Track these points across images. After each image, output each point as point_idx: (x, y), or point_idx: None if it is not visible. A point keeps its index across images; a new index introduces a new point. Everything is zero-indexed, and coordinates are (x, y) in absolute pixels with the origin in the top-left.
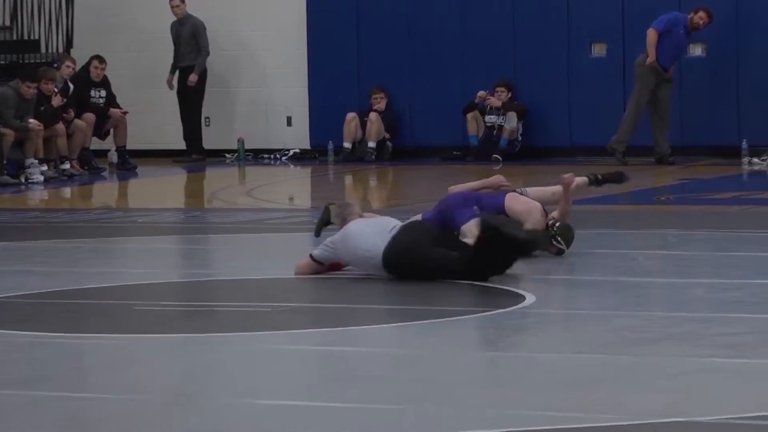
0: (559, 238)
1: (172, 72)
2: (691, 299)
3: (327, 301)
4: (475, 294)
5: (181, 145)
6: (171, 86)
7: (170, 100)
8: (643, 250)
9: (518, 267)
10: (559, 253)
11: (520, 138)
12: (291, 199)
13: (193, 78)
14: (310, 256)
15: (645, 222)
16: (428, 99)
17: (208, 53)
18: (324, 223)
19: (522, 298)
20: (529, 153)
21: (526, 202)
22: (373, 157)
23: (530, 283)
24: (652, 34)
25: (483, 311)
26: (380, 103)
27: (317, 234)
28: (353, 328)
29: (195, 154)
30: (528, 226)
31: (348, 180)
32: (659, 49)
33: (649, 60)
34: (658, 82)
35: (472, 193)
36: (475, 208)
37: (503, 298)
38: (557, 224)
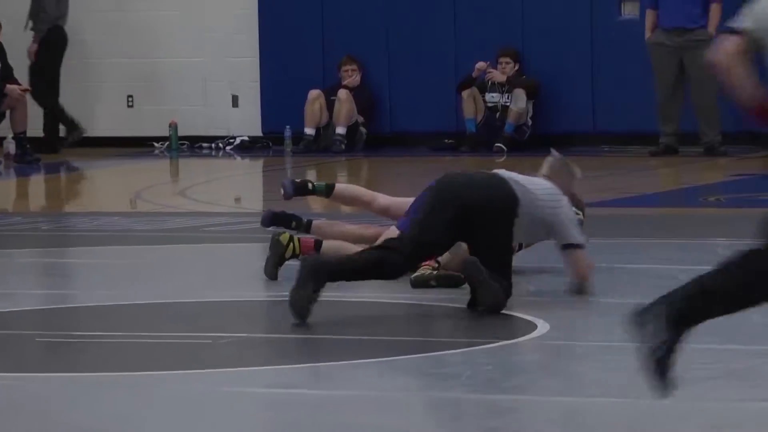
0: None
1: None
2: (746, 327)
3: (285, 329)
4: (475, 321)
5: (102, 131)
6: (30, 57)
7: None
8: (685, 264)
9: (532, 286)
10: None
11: (529, 122)
12: (237, 200)
13: (31, 48)
14: None
15: (689, 229)
16: (413, 72)
17: (57, 15)
18: (279, 261)
19: (533, 326)
20: (542, 141)
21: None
22: (343, 146)
23: (544, 306)
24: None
25: (483, 343)
26: (352, 77)
27: (273, 276)
28: (318, 365)
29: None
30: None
31: (310, 176)
32: None
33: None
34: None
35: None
36: None
37: (510, 326)
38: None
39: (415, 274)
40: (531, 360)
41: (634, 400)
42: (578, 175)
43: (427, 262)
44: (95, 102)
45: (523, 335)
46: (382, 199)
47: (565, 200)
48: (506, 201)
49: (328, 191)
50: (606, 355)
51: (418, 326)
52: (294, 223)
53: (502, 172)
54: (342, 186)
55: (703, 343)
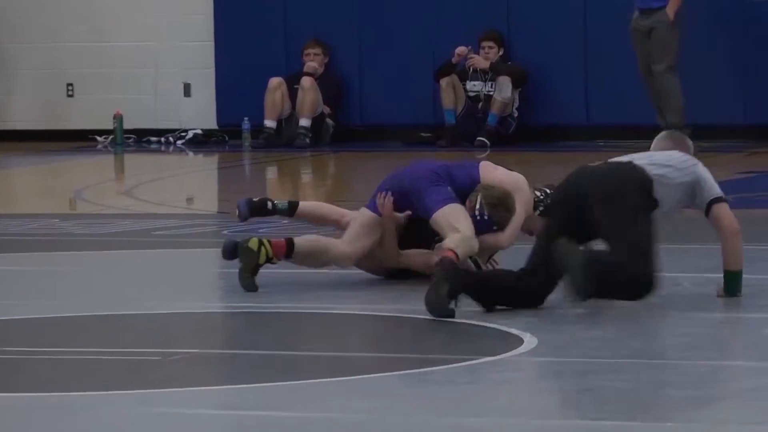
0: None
1: None
2: (763, 342)
3: (242, 345)
4: (456, 335)
5: (38, 123)
6: None
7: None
8: (691, 272)
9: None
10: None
11: (515, 113)
12: (189, 200)
13: None
14: None
15: (697, 232)
16: (386, 58)
17: None
18: (254, 270)
19: (519, 341)
20: (529, 134)
21: (510, 174)
22: (307, 140)
23: (535, 319)
24: None
25: (464, 359)
26: (317, 63)
27: (252, 288)
28: (276, 385)
29: None
30: (517, 204)
31: (271, 173)
32: None
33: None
34: None
35: (444, 165)
36: (449, 189)
37: (494, 341)
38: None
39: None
40: (514, 379)
41: (626, 423)
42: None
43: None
44: (29, 91)
45: (508, 351)
46: (351, 216)
47: (697, 161)
48: (641, 186)
49: (291, 210)
50: (598, 375)
51: (394, 341)
52: (270, 204)
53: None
54: (307, 204)
55: (708, 358)
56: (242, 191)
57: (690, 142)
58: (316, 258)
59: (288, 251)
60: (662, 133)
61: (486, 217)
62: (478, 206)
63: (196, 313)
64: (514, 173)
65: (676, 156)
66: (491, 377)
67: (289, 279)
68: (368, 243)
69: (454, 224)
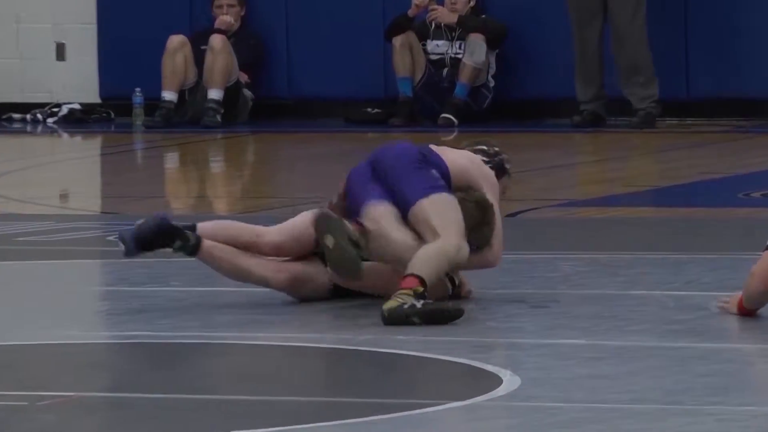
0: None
1: None
2: None
3: (135, 386)
4: (416, 373)
5: None
6: None
7: None
8: (716, 289)
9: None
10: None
11: (490, 83)
12: (63, 197)
13: None
14: None
15: (724, 239)
16: (321, 11)
17: None
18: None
19: (496, 380)
20: (507, 110)
21: (468, 158)
22: (219, 117)
23: (517, 352)
24: None
25: (430, 404)
26: (231, 17)
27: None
28: None
29: None
30: (491, 198)
31: (171, 161)
32: None
33: None
34: None
35: (422, 148)
36: (434, 171)
37: (468, 380)
38: None
39: (389, 305)
40: (489, 430)
41: None
42: None
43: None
44: None
45: (482, 394)
46: (271, 235)
47: None
48: None
49: (194, 247)
50: (597, 424)
51: (335, 381)
52: (178, 242)
53: None
54: (209, 226)
55: (731, 403)
56: (133, 185)
57: None
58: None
59: None
60: None
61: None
62: None
63: (73, 344)
64: (467, 152)
65: None
66: (460, 428)
67: (194, 299)
68: (304, 242)
69: (436, 224)
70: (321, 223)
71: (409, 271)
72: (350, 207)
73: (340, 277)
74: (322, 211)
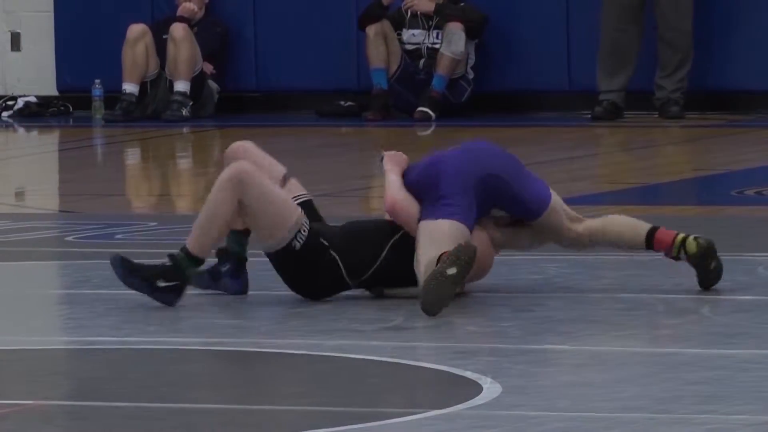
0: None
1: None
2: None
3: (98, 394)
4: (391, 379)
5: None
6: None
7: None
8: (706, 292)
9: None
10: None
11: (470, 75)
12: (19, 195)
13: None
14: None
15: (716, 238)
16: (290, 0)
17: None
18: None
19: (476, 388)
20: (489, 104)
21: None
22: (184, 111)
23: (498, 358)
24: None
25: (404, 414)
26: (194, 4)
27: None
28: None
29: None
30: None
31: (132, 157)
32: None
33: None
34: None
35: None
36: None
37: (445, 387)
38: None
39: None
40: None
41: None
42: None
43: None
44: None
45: (461, 402)
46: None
47: None
48: None
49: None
50: None
51: (309, 388)
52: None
53: None
54: None
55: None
56: (92, 182)
57: None
58: None
59: None
60: None
61: None
62: None
63: (31, 350)
64: None
65: None
66: None
67: (158, 303)
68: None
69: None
70: (461, 252)
71: None
72: (423, 188)
73: (424, 304)
74: (469, 243)
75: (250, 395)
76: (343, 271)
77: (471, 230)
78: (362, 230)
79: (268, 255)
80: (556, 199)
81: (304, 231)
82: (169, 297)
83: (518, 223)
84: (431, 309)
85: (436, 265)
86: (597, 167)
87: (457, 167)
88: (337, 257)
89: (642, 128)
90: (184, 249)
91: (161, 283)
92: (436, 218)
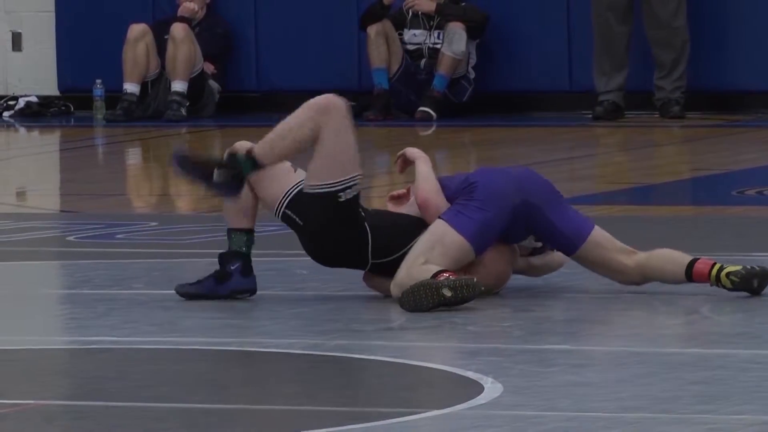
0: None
1: None
2: None
3: (98, 394)
4: (393, 379)
5: None
6: None
7: None
8: (711, 297)
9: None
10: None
11: (471, 74)
12: (20, 195)
13: None
14: None
15: (712, 239)
16: (292, 1)
17: None
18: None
19: (477, 387)
20: (490, 104)
21: None
22: (183, 110)
23: (499, 358)
24: None
25: (399, 414)
26: (195, 4)
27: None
28: None
29: None
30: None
31: (133, 158)
32: None
33: None
34: None
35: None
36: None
37: (442, 387)
38: None
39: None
40: None
41: None
42: None
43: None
44: None
45: (462, 402)
46: None
47: None
48: None
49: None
50: None
51: (310, 388)
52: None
53: None
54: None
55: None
56: (93, 182)
57: None
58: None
59: None
60: None
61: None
62: None
63: (32, 350)
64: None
65: None
66: None
67: (157, 303)
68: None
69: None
70: (467, 287)
71: None
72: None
73: (403, 303)
74: (478, 284)
75: (250, 395)
76: (370, 246)
77: (482, 251)
78: (397, 217)
79: (302, 199)
80: (598, 233)
81: (354, 190)
82: (227, 190)
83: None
84: (408, 308)
85: (435, 277)
86: (597, 167)
87: (499, 187)
88: (369, 232)
89: (642, 128)
90: (248, 150)
91: (219, 178)
92: (455, 227)
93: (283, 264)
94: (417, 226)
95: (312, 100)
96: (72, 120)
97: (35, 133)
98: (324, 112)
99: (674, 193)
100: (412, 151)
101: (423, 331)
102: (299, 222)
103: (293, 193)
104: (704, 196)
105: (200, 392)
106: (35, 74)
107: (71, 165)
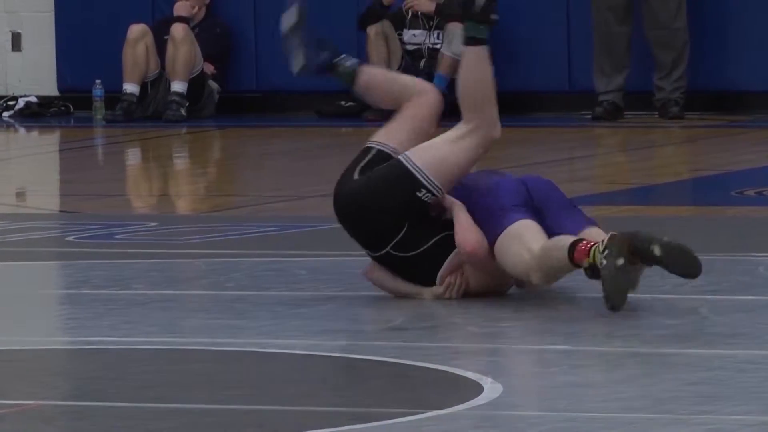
0: None
1: None
2: None
3: (98, 394)
4: (391, 379)
5: None
6: None
7: None
8: (711, 292)
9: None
10: None
11: None
12: (20, 195)
13: None
14: None
15: (711, 239)
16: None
17: None
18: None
19: (476, 388)
20: None
21: None
22: (183, 111)
23: (499, 358)
24: None
25: (398, 415)
26: (194, 4)
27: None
28: None
29: None
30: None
31: (133, 157)
32: None
33: None
34: None
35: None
36: None
37: (441, 388)
38: None
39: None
40: None
41: None
42: None
43: None
44: None
45: (462, 402)
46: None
47: None
48: None
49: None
50: None
51: (308, 389)
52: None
53: None
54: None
55: (730, 413)
56: (92, 182)
57: None
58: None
59: None
60: None
61: None
62: None
63: (31, 350)
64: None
65: None
66: None
67: (157, 303)
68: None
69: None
70: (614, 244)
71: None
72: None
73: (609, 299)
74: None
75: (250, 395)
76: (396, 239)
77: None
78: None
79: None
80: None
81: (430, 200)
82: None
83: None
84: (617, 304)
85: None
86: (597, 167)
87: (516, 189)
88: (404, 230)
89: (642, 128)
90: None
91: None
92: (504, 227)
93: (283, 264)
94: (439, 222)
95: (485, 131)
96: (71, 120)
97: (35, 134)
98: (487, 143)
99: (674, 194)
100: (446, 199)
101: (422, 331)
102: (368, 166)
103: (387, 150)
104: (704, 197)
105: (200, 392)
106: (35, 74)
107: (71, 165)
